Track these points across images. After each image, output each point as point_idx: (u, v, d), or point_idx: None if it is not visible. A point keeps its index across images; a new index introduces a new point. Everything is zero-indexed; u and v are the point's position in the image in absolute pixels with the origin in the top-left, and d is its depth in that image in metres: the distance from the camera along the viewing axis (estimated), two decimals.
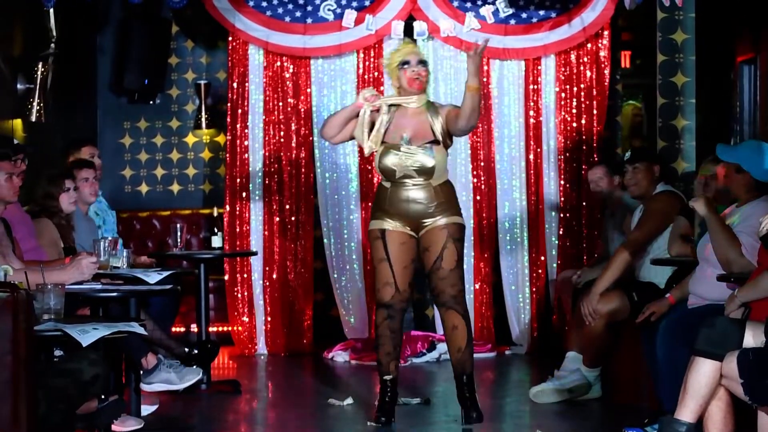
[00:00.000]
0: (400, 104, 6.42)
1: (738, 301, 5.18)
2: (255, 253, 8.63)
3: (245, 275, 8.96)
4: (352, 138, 6.51)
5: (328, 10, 8.90)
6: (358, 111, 6.40)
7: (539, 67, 9.00)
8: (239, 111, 8.96)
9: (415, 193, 6.38)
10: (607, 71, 8.98)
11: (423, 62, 6.41)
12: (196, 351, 7.12)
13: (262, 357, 8.90)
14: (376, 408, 6.46)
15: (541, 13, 8.91)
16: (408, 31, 8.90)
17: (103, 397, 4.90)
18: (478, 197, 9.00)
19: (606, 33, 8.96)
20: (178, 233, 7.47)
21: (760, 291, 5.10)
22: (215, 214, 8.42)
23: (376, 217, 6.47)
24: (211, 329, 7.83)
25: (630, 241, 6.91)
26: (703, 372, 4.71)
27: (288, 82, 8.98)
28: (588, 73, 8.97)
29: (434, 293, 6.45)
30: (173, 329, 8.15)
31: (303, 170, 9.00)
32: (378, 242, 6.41)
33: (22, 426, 4.17)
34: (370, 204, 8.87)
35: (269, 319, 8.97)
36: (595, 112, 8.97)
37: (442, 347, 8.63)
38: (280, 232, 8.99)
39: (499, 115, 9.02)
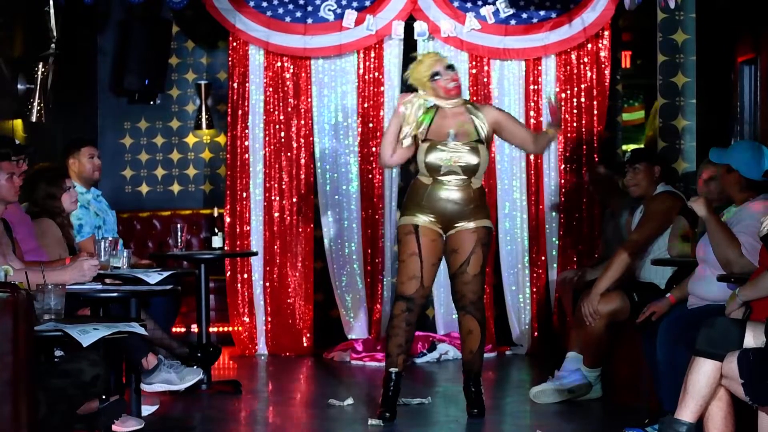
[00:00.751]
0: (439, 106, 6.55)
1: (739, 300, 5.19)
2: (255, 254, 8.63)
3: (245, 275, 8.96)
4: (408, 159, 6.66)
5: (329, 10, 8.90)
6: (400, 120, 6.51)
7: (540, 68, 9.00)
8: (240, 111, 8.96)
9: (453, 193, 6.49)
10: (607, 71, 8.98)
11: (451, 67, 6.58)
12: (198, 354, 7.13)
13: (263, 357, 8.90)
14: (380, 403, 6.52)
15: (542, 13, 8.91)
16: (408, 32, 8.90)
17: (103, 397, 4.90)
18: None
19: (606, 33, 8.96)
20: (179, 233, 7.47)
21: (761, 290, 5.10)
22: (216, 214, 8.43)
23: (408, 213, 6.55)
24: (211, 329, 7.83)
25: (630, 242, 6.92)
26: (703, 372, 4.71)
27: (288, 83, 8.98)
28: (588, 74, 8.97)
29: (455, 296, 6.61)
30: (174, 329, 8.15)
31: (303, 170, 9.00)
32: (411, 237, 6.48)
33: (22, 426, 4.17)
34: (370, 203, 8.93)
35: (270, 319, 8.97)
36: (595, 112, 8.97)
37: (442, 347, 8.64)
38: (280, 232, 8.99)
39: None
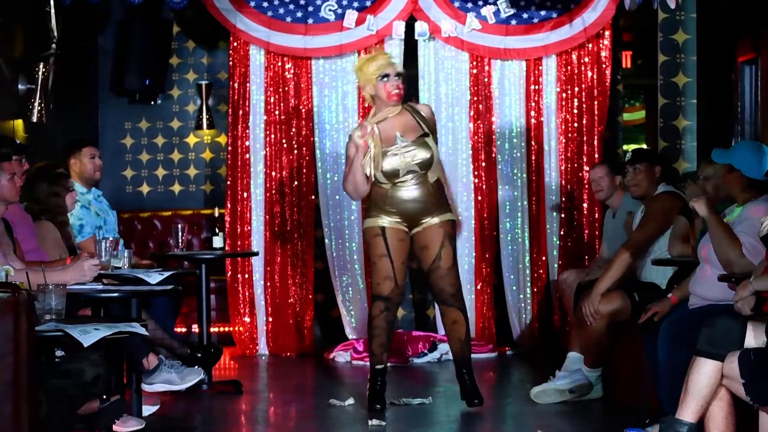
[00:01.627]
0: (384, 118, 6.71)
1: (752, 287, 5.07)
2: (256, 254, 8.63)
3: (246, 276, 8.96)
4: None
5: (329, 10, 8.90)
6: (364, 153, 6.66)
7: (540, 68, 9.00)
8: (240, 111, 8.96)
9: (412, 191, 6.71)
10: (608, 71, 8.97)
11: (400, 74, 6.73)
12: (199, 355, 7.13)
13: (264, 357, 8.90)
14: (368, 398, 6.74)
15: (542, 13, 8.91)
16: (409, 32, 8.90)
17: (104, 397, 4.90)
18: (479, 197, 9.00)
19: (607, 33, 8.95)
20: (180, 234, 7.47)
21: None
22: (216, 214, 8.43)
23: (372, 216, 6.80)
24: (212, 330, 7.83)
25: (631, 242, 6.92)
26: (704, 372, 4.71)
27: (289, 83, 8.98)
28: (589, 74, 8.97)
29: (434, 291, 6.85)
30: (174, 329, 8.15)
31: (304, 171, 9.00)
32: (378, 239, 6.73)
33: (23, 427, 4.17)
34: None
35: (270, 319, 8.97)
36: (596, 112, 8.97)
37: (443, 347, 8.64)
38: (281, 232, 8.99)
39: (501, 116, 9.02)
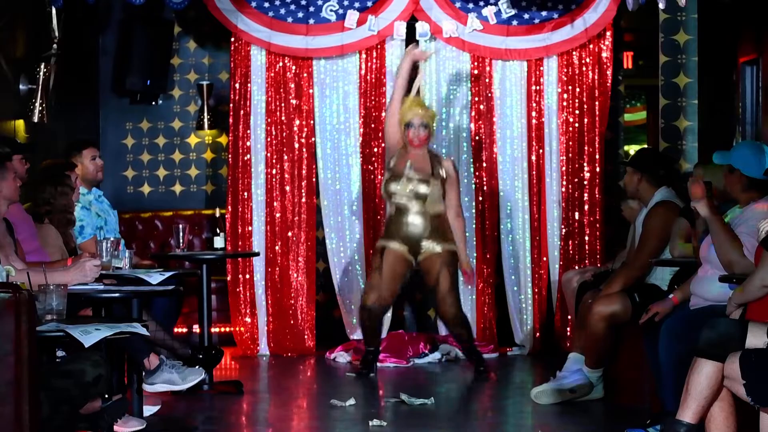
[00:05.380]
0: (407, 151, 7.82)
1: (733, 303, 5.20)
2: (257, 254, 8.63)
3: (247, 276, 8.96)
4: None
5: (331, 10, 8.90)
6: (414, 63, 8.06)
7: (541, 68, 9.00)
8: (241, 112, 8.96)
9: (414, 219, 7.77)
10: (609, 72, 8.97)
11: (426, 126, 7.80)
12: (200, 355, 7.13)
13: (264, 358, 8.90)
14: (360, 365, 7.98)
15: (544, 14, 8.91)
16: (410, 32, 8.90)
17: (105, 397, 4.91)
18: (480, 198, 9.00)
19: (608, 34, 8.95)
20: (181, 234, 7.47)
21: (747, 294, 5.11)
22: (217, 214, 8.42)
23: (383, 237, 7.93)
24: (213, 330, 7.83)
25: (635, 266, 6.85)
26: (704, 373, 4.71)
27: (290, 83, 8.98)
28: (590, 74, 8.97)
29: (438, 313, 8.03)
30: (175, 330, 8.15)
31: (305, 171, 9.00)
32: (377, 255, 7.90)
33: (24, 427, 4.17)
34: (371, 204, 8.94)
35: (271, 319, 8.97)
36: (597, 113, 8.97)
37: (444, 348, 8.64)
38: (282, 232, 8.99)
39: (502, 116, 9.02)
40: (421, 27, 8.91)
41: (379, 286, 7.79)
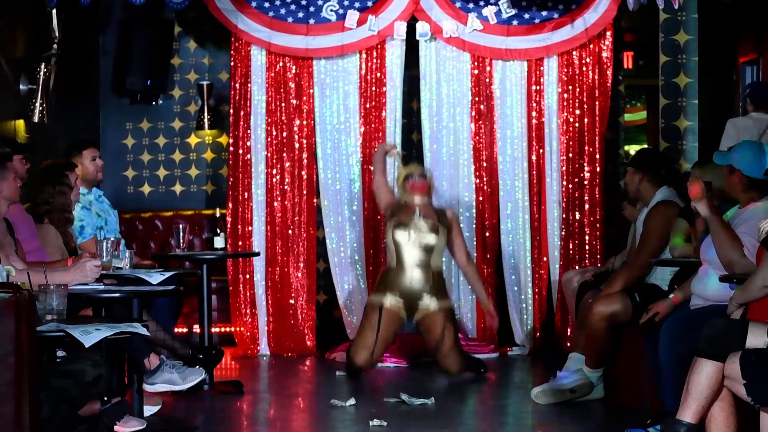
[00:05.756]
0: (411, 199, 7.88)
1: (734, 303, 5.20)
2: (257, 254, 8.63)
3: (248, 276, 8.96)
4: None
5: (331, 10, 8.90)
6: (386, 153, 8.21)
7: (542, 68, 9.00)
8: (242, 112, 8.96)
9: (415, 273, 7.78)
10: (609, 72, 8.97)
11: (424, 175, 7.95)
12: (200, 355, 7.13)
13: (265, 358, 8.90)
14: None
15: (544, 13, 8.91)
16: (410, 32, 8.90)
17: (105, 398, 4.91)
18: (480, 198, 9.01)
19: (608, 34, 8.96)
20: (181, 234, 7.48)
21: (747, 294, 5.11)
22: (218, 214, 8.42)
23: (379, 291, 7.86)
24: (213, 330, 7.83)
25: (635, 266, 6.85)
26: (705, 373, 4.71)
27: (290, 83, 8.99)
28: (590, 74, 8.97)
29: (440, 367, 7.87)
30: (176, 330, 8.15)
31: (305, 171, 9.00)
32: (375, 313, 7.79)
33: (25, 427, 4.17)
34: (371, 204, 8.94)
35: (271, 319, 8.97)
36: (597, 112, 8.97)
37: None
38: (282, 232, 8.99)
39: (502, 116, 9.02)
40: (421, 27, 8.91)
41: (371, 348, 7.75)
